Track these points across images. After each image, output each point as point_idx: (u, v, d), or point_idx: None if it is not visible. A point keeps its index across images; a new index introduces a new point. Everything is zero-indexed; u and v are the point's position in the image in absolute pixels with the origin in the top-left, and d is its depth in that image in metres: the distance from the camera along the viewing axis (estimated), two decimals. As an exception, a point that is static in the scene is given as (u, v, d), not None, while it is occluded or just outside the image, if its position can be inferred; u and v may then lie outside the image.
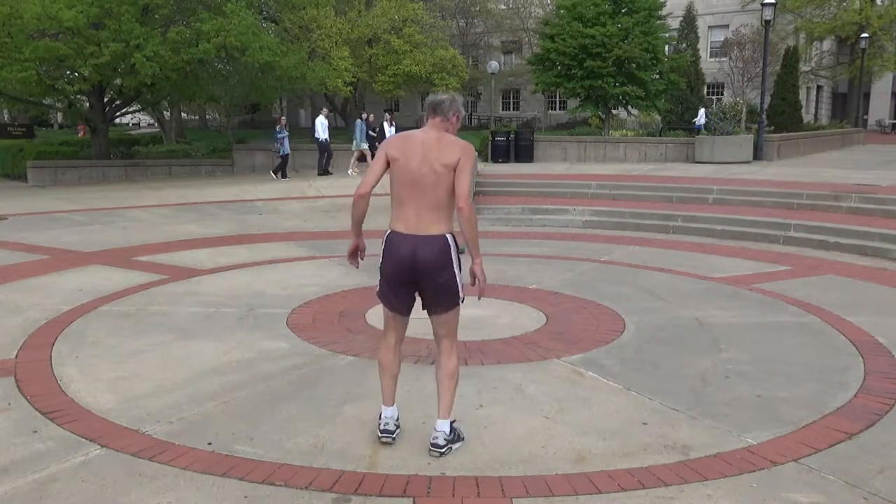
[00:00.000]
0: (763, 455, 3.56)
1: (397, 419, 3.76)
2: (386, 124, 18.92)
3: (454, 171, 3.37)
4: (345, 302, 6.60)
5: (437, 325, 3.63)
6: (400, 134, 3.66)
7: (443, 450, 3.54)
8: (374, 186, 3.51)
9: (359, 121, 18.60)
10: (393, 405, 3.74)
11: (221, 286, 7.25)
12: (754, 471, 3.41)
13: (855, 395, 4.37)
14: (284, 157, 18.09)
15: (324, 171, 18.43)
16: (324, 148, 18.44)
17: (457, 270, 3.48)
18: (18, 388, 4.42)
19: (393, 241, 3.47)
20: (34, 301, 6.54)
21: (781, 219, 10.88)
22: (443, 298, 3.52)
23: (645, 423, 3.94)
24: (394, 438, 3.69)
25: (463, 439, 3.69)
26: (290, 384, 4.52)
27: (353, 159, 18.44)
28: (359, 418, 3.99)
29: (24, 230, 10.82)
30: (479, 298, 3.72)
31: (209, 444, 3.66)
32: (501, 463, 3.48)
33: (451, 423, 3.62)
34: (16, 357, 5.02)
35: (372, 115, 19.75)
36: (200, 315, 6.13)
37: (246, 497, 3.15)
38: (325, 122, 18.62)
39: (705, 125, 21.40)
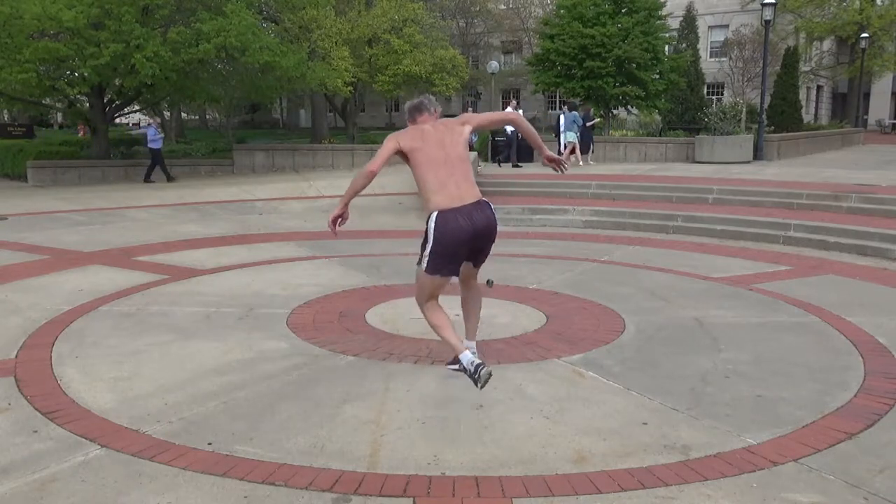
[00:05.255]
0: (763, 455, 3.56)
1: (474, 351, 4.08)
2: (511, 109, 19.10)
3: (468, 142, 3.96)
4: (345, 302, 6.60)
5: (472, 273, 4.17)
6: (410, 128, 4.03)
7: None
8: (381, 167, 3.95)
9: (568, 112, 18.86)
10: (465, 349, 3.91)
11: (221, 286, 7.25)
12: (754, 471, 3.40)
13: (855, 395, 4.37)
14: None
15: (515, 164, 18.92)
16: (510, 142, 18.80)
17: None
18: (18, 388, 4.42)
19: (448, 217, 3.80)
20: (34, 301, 6.54)
21: (781, 219, 10.88)
22: (489, 251, 4.06)
23: (645, 423, 3.94)
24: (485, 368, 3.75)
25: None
26: (290, 384, 4.52)
27: (567, 152, 18.66)
28: (359, 418, 3.99)
29: (24, 230, 10.82)
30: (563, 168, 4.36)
31: (209, 444, 3.66)
32: (501, 463, 3.48)
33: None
34: (16, 357, 5.02)
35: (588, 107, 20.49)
36: (200, 315, 6.13)
37: (246, 497, 3.15)
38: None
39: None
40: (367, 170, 3.89)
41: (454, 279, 4.15)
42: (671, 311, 6.37)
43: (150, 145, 18.40)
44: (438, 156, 3.83)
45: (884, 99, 45.93)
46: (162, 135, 18.72)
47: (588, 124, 19.29)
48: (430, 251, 3.88)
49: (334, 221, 4.09)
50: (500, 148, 19.82)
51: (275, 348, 5.24)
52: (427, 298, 4.09)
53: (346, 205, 4.06)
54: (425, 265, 3.92)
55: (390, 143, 3.94)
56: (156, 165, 18.32)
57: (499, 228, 3.94)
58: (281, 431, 3.81)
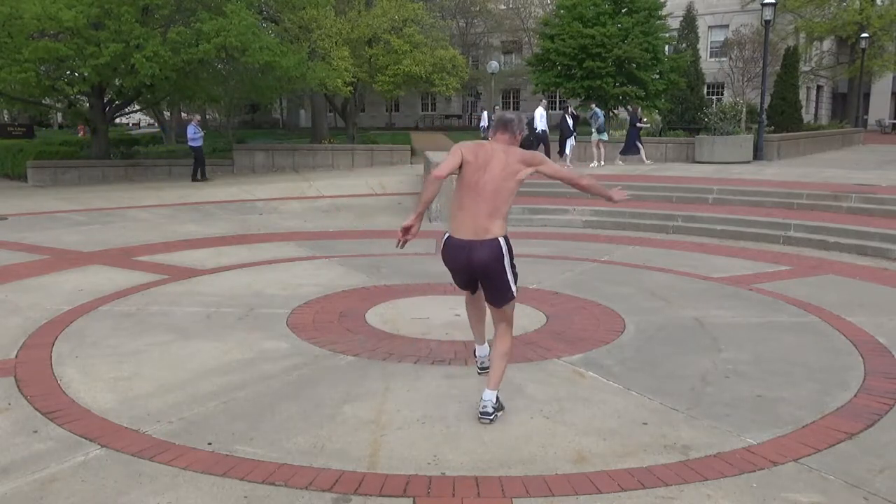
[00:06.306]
0: (763, 455, 3.56)
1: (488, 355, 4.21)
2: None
3: (519, 179, 3.82)
4: (345, 302, 6.60)
5: (493, 311, 4.01)
6: (476, 143, 3.96)
7: (491, 417, 3.90)
8: (449, 175, 3.82)
9: (598, 111, 18.86)
10: (485, 343, 4.25)
11: (221, 286, 7.25)
12: (754, 471, 3.40)
13: (855, 395, 4.37)
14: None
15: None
16: (542, 139, 18.68)
17: (508, 270, 3.83)
18: (18, 388, 4.42)
19: (448, 244, 3.84)
20: (34, 301, 6.54)
21: (781, 219, 10.87)
22: (494, 287, 3.88)
23: (645, 423, 3.94)
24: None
25: (504, 408, 4.04)
26: (290, 384, 4.52)
27: (599, 150, 18.73)
28: (359, 418, 3.99)
29: (24, 230, 10.82)
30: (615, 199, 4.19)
31: (209, 444, 3.66)
32: (501, 463, 3.48)
33: (497, 394, 3.97)
34: (16, 357, 5.02)
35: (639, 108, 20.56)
36: (200, 315, 6.13)
37: (246, 497, 3.15)
38: (545, 114, 18.90)
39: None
40: (434, 175, 3.74)
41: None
42: (671, 311, 6.37)
43: (190, 144, 18.37)
44: (475, 180, 3.74)
45: (884, 99, 45.92)
46: (202, 132, 18.55)
47: (637, 124, 19.28)
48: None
49: (405, 231, 3.79)
50: None
51: (275, 348, 5.24)
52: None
53: (420, 216, 3.77)
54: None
55: (456, 153, 3.82)
56: (200, 164, 18.34)
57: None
58: (281, 431, 3.81)
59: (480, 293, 4.04)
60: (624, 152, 19.09)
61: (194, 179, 18.17)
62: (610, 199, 4.13)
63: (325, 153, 22.18)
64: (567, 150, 18.52)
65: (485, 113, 26.69)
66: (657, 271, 8.10)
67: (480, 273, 3.81)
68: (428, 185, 3.80)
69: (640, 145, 19.13)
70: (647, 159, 19.02)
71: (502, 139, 3.95)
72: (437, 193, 3.88)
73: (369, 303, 6.54)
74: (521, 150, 3.94)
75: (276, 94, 23.03)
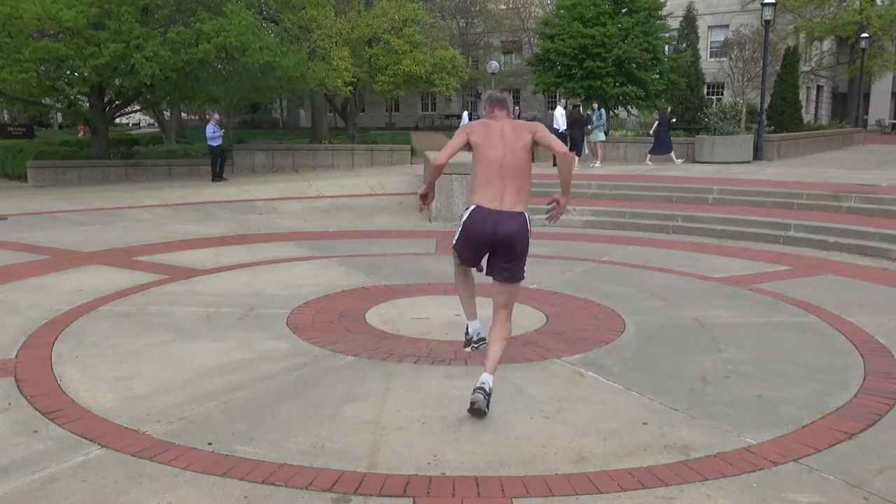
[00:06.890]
0: (763, 455, 3.56)
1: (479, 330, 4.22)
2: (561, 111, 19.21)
3: (531, 149, 3.88)
4: (345, 302, 6.60)
5: (499, 293, 4.01)
6: (481, 122, 4.02)
7: (485, 397, 3.89)
8: (449, 159, 3.97)
9: (602, 110, 18.99)
10: (476, 319, 4.23)
11: (221, 286, 7.25)
12: (754, 471, 3.40)
13: (855, 395, 4.37)
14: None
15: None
16: (562, 139, 18.74)
17: (528, 246, 3.89)
18: (18, 388, 4.42)
19: (477, 212, 3.86)
20: (34, 301, 6.53)
21: (781, 219, 10.87)
22: (511, 267, 3.91)
23: (645, 424, 3.94)
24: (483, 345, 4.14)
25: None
26: (290, 384, 4.52)
27: (599, 151, 18.84)
28: (359, 418, 3.99)
29: (24, 230, 10.82)
30: (550, 222, 4.22)
31: (209, 444, 3.66)
32: (501, 463, 3.48)
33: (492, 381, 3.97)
34: (16, 357, 5.02)
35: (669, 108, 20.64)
36: (200, 315, 6.13)
37: (246, 497, 3.15)
38: (564, 112, 19.07)
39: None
40: (434, 164, 3.95)
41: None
42: (671, 311, 6.37)
43: (209, 143, 18.36)
44: (496, 156, 3.83)
45: (884, 99, 45.93)
46: (221, 131, 18.50)
47: (658, 125, 19.34)
48: (458, 235, 4.01)
49: (423, 197, 4.18)
50: None
51: (275, 348, 5.24)
52: (456, 266, 4.25)
53: (430, 188, 4.14)
54: (454, 241, 4.08)
55: (462, 135, 3.96)
56: (219, 162, 18.34)
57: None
58: (281, 431, 3.81)
59: (471, 271, 4.18)
60: (663, 152, 19.22)
61: (214, 178, 18.19)
62: (563, 194, 4.03)
63: (325, 153, 22.19)
64: (586, 147, 18.67)
65: (465, 113, 27.05)
66: (657, 271, 8.10)
67: (504, 244, 3.83)
68: (430, 173, 4.04)
69: (656, 145, 19.34)
70: (649, 161, 19.10)
71: (501, 114, 4.02)
72: (438, 178, 4.11)
73: (369, 303, 6.55)
74: (520, 121, 4.03)
75: (276, 94, 23.03)
